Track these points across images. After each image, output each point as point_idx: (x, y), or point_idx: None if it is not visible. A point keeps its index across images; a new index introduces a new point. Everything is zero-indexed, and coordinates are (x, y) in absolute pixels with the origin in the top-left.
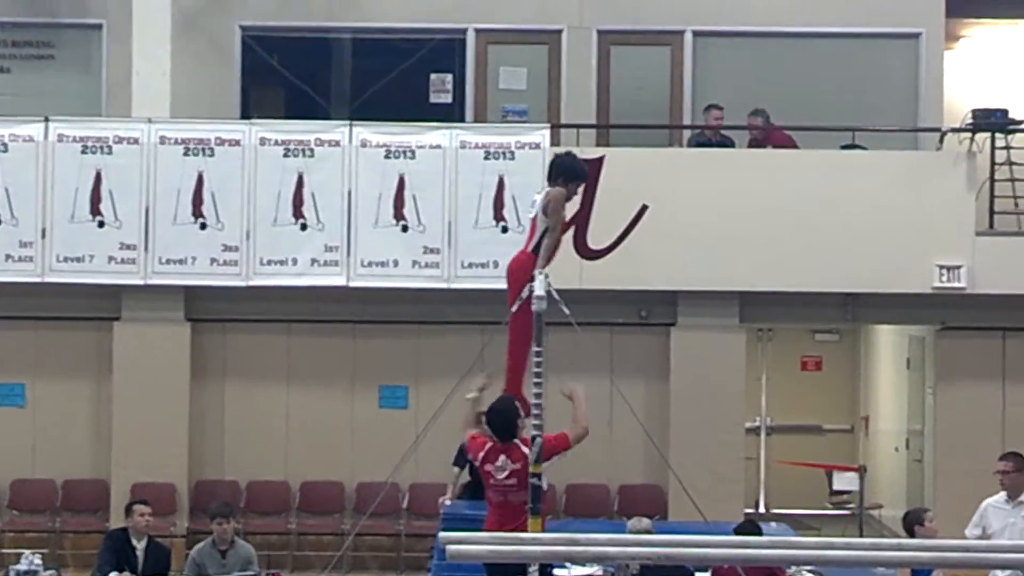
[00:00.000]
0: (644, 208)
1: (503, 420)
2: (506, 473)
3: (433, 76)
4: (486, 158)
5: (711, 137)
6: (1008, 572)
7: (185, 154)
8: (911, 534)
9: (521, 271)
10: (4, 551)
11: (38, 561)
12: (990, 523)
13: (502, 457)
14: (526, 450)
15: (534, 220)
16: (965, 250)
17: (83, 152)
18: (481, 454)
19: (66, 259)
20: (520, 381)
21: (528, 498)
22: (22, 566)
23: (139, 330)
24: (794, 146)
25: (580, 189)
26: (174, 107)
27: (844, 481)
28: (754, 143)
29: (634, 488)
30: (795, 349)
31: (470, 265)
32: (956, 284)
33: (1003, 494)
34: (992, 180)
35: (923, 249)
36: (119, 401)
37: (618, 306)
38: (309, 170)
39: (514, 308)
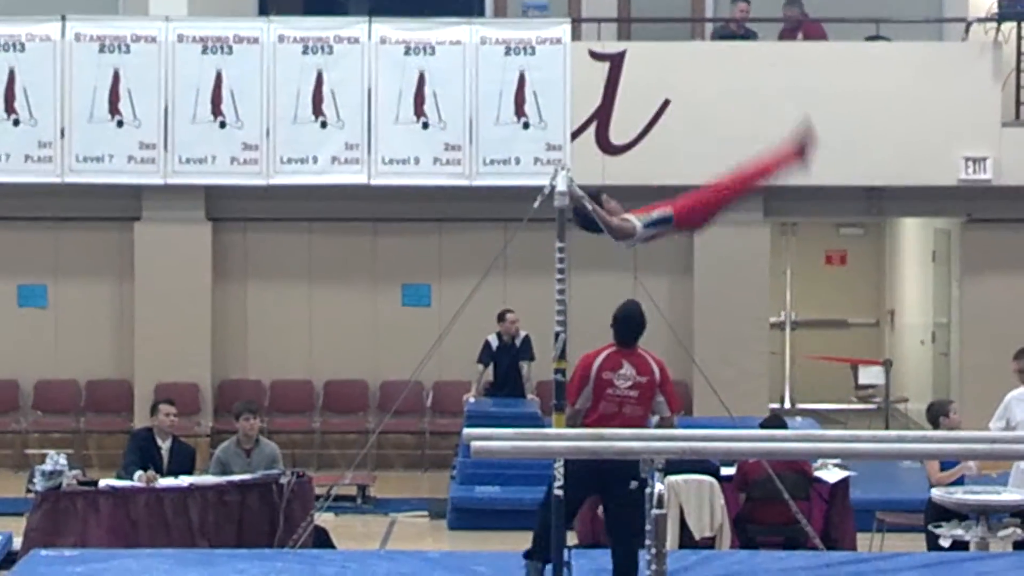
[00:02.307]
0: (666, 103)
1: (630, 326)
2: (630, 383)
3: None
4: (507, 54)
5: (735, 30)
6: None
7: (203, 52)
8: (935, 426)
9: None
10: (29, 451)
11: (63, 461)
12: (1014, 415)
13: (626, 364)
14: (654, 365)
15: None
16: (991, 141)
17: (100, 51)
18: (599, 360)
19: (85, 159)
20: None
21: (644, 412)
22: (47, 466)
23: (160, 230)
24: (826, 38)
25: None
26: (191, 4)
27: (870, 375)
28: (787, 33)
29: None
30: (820, 243)
31: (491, 162)
32: (982, 176)
33: None
34: (1018, 70)
35: (948, 141)
36: (141, 301)
37: (640, 201)
38: (328, 67)
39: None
